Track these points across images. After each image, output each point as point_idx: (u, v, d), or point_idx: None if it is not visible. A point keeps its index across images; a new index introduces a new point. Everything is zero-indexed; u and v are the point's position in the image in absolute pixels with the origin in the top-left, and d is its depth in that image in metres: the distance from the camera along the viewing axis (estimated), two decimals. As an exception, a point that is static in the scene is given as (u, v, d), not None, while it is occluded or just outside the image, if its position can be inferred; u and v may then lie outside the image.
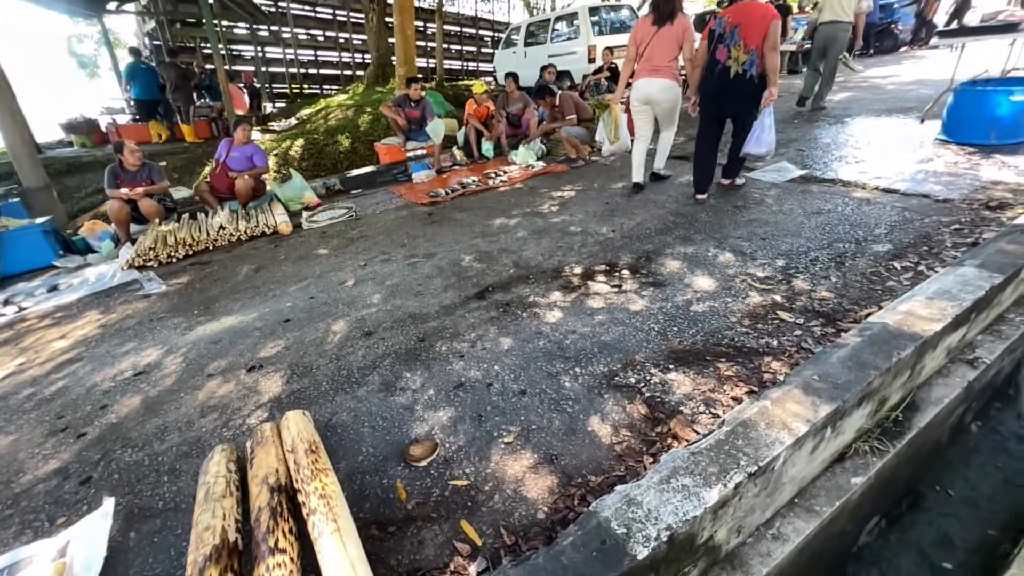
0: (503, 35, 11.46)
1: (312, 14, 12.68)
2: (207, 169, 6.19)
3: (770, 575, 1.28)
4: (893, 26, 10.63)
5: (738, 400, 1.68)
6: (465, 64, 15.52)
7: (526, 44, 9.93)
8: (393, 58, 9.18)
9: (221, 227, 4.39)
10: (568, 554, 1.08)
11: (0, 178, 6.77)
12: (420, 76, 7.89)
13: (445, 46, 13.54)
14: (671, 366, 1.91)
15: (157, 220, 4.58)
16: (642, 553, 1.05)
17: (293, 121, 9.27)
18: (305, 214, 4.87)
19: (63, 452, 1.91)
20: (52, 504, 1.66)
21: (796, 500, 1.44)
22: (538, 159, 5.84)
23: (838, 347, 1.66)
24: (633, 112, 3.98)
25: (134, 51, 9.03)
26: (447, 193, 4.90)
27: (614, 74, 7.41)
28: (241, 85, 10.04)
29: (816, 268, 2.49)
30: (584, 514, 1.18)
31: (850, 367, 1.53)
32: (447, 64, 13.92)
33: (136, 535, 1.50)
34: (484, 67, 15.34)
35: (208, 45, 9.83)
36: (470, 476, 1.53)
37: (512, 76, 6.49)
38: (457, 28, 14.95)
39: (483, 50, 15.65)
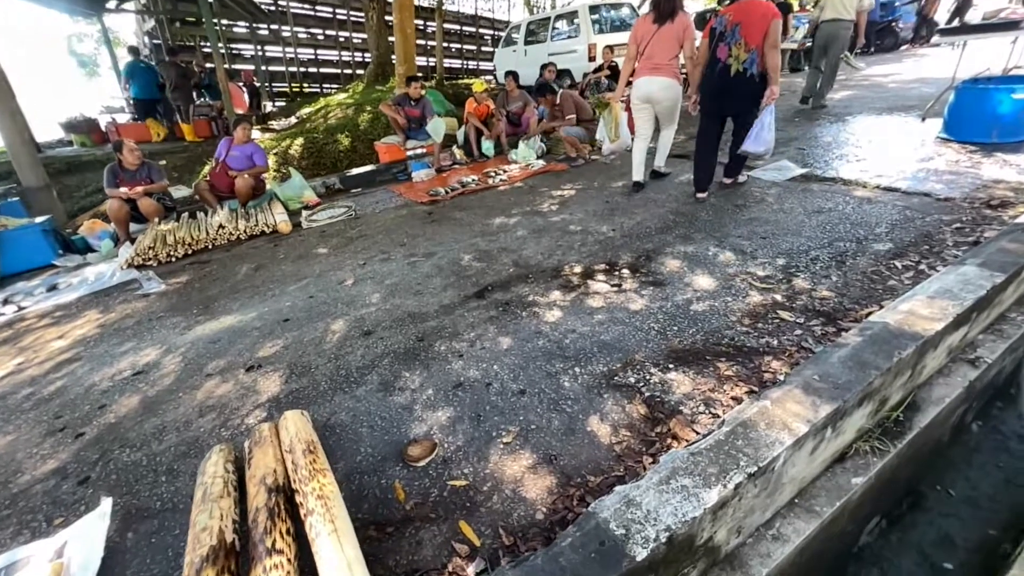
0: (503, 33, 11.44)
1: (312, 12, 12.65)
2: (207, 168, 6.19)
3: (770, 576, 1.28)
4: (894, 24, 10.60)
5: (738, 400, 1.67)
6: (465, 63, 15.50)
7: (526, 42, 9.91)
8: (393, 57, 9.15)
9: (220, 226, 4.38)
10: (567, 555, 1.07)
11: (0, 177, 6.77)
12: (420, 75, 7.87)
13: (445, 45, 13.52)
14: (671, 366, 1.90)
15: (156, 219, 4.57)
16: (641, 554, 1.05)
17: (293, 120, 9.26)
18: (305, 213, 4.86)
19: (61, 452, 1.91)
20: (50, 504, 1.66)
21: (796, 500, 1.44)
22: (538, 158, 5.82)
23: (839, 347, 1.65)
24: (634, 110, 3.97)
25: (133, 50, 9.02)
26: (447, 192, 4.89)
27: (614, 72, 7.38)
28: (241, 84, 10.02)
29: (817, 267, 2.48)
30: (583, 515, 1.18)
31: (851, 367, 1.53)
32: (447, 63, 13.90)
33: (134, 535, 1.49)
34: (484, 66, 15.31)
35: (208, 44, 9.81)
36: (469, 476, 1.53)
37: (512, 75, 6.47)
38: (457, 26, 14.92)
39: (483, 49, 15.62)
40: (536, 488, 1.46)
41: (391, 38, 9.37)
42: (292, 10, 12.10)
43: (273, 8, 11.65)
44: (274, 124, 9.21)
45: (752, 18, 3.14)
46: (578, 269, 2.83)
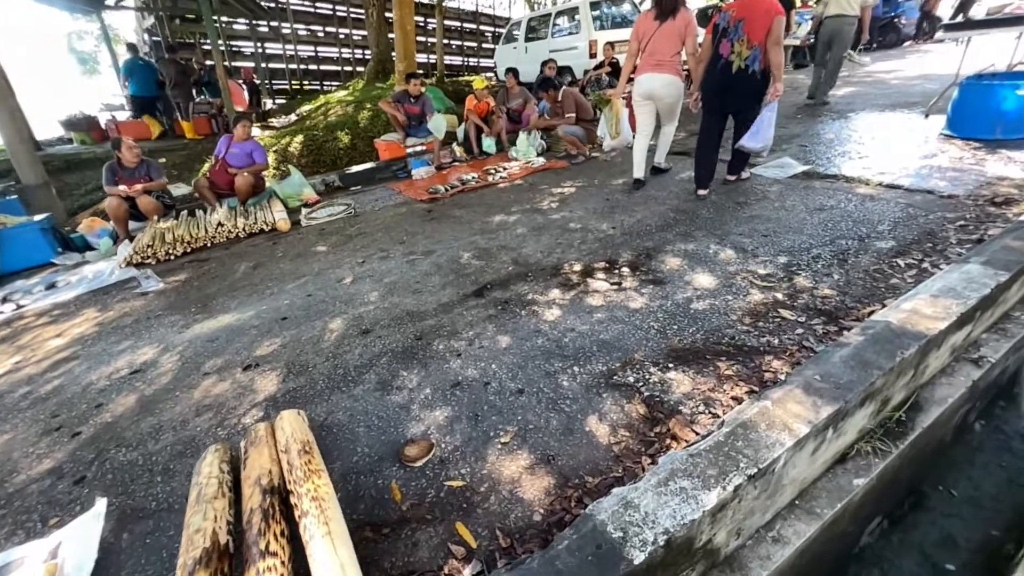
0: (504, 30, 11.38)
1: (312, 10, 12.62)
2: (206, 166, 6.17)
3: (770, 578, 1.26)
4: (897, 20, 10.52)
5: (738, 400, 1.65)
6: (466, 60, 15.45)
7: (527, 39, 9.86)
8: (393, 54, 9.12)
9: (219, 224, 4.36)
10: (563, 558, 1.06)
11: (-1, 175, 6.76)
12: (420, 72, 7.84)
13: (445, 42, 13.46)
14: (670, 365, 1.89)
15: (155, 217, 4.56)
16: (638, 558, 1.03)
17: (293, 117, 9.24)
18: (304, 211, 4.85)
19: (57, 451, 1.90)
20: (45, 504, 1.65)
21: (797, 502, 1.42)
22: (538, 155, 5.80)
23: (840, 346, 1.63)
24: (635, 107, 3.94)
25: (131, 47, 8.99)
26: (446, 190, 4.87)
27: (615, 69, 7.34)
28: (240, 81, 9.99)
29: (818, 265, 2.46)
30: (580, 517, 1.16)
31: (852, 366, 1.51)
32: (448, 60, 13.85)
33: (128, 536, 1.48)
34: (485, 63, 15.26)
35: (208, 41, 9.78)
36: (466, 477, 1.51)
37: (512, 71, 6.44)
38: (458, 23, 14.88)
39: (484, 46, 15.58)
40: (534, 489, 1.44)
41: (391, 35, 9.33)
42: (292, 7, 12.07)
43: (273, 5, 11.60)
44: (274, 121, 9.19)
45: (755, 14, 3.11)
46: (578, 267, 2.81)
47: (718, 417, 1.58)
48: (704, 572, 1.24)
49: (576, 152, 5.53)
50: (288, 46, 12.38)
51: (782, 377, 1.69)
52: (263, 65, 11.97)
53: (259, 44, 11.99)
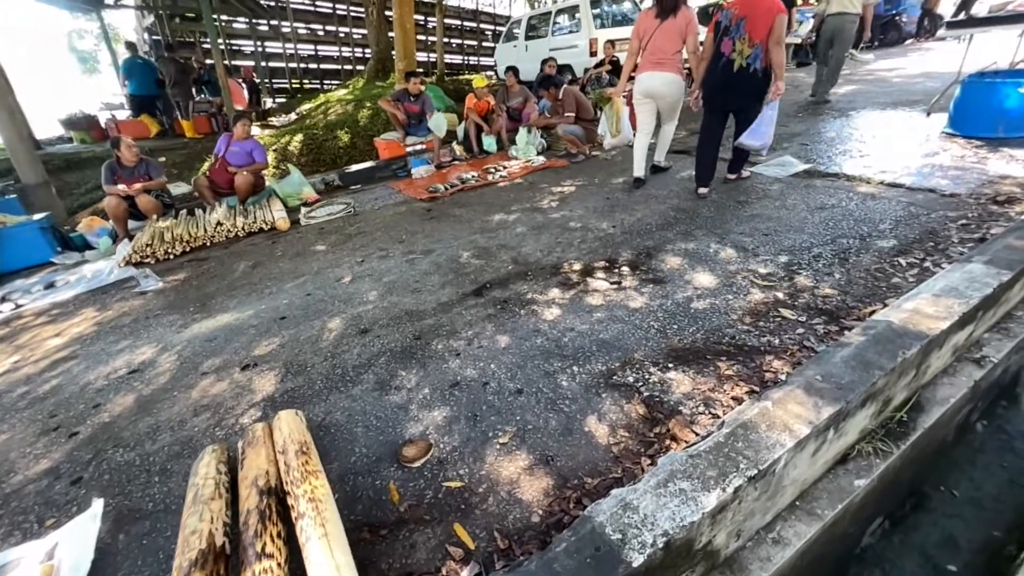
0: (504, 29, 11.35)
1: (312, 8, 12.60)
2: (206, 165, 6.16)
3: (770, 580, 1.25)
4: (898, 18, 10.48)
5: (738, 400, 1.64)
6: (466, 58, 15.43)
7: (527, 38, 9.84)
8: (393, 52, 9.10)
9: (218, 223, 4.35)
10: (561, 561, 1.05)
11: (-1, 174, 6.75)
12: (420, 70, 7.82)
13: (446, 40, 13.44)
14: (670, 365, 1.87)
15: (155, 216, 4.55)
16: (637, 560, 1.02)
17: (293, 116, 9.22)
18: (303, 210, 4.84)
19: (55, 452, 1.89)
20: (42, 505, 1.64)
21: (797, 503, 1.41)
22: (538, 154, 5.78)
23: (841, 346, 1.62)
24: (636, 106, 3.93)
25: (130, 45, 8.97)
26: (446, 188, 4.86)
27: (616, 68, 7.32)
28: (240, 80, 9.98)
29: (819, 264, 2.45)
30: (579, 519, 1.15)
31: (854, 367, 1.49)
32: (448, 58, 13.83)
33: (125, 537, 1.47)
34: (485, 61, 15.23)
35: (208, 39, 9.76)
36: (464, 478, 1.50)
37: (512, 70, 6.42)
38: (458, 22, 14.85)
39: (484, 44, 15.55)
40: (532, 490, 1.43)
41: (391, 33, 9.31)
42: (292, 5, 12.05)
43: (273, 3, 11.59)
44: (274, 120, 9.17)
45: (757, 12, 3.10)
46: (577, 266, 2.80)
47: (718, 417, 1.57)
48: (704, 574, 1.23)
49: (576, 151, 5.51)
50: (288, 45, 12.36)
51: (783, 377, 1.68)
52: (263, 64, 11.96)
53: (259, 43, 11.97)
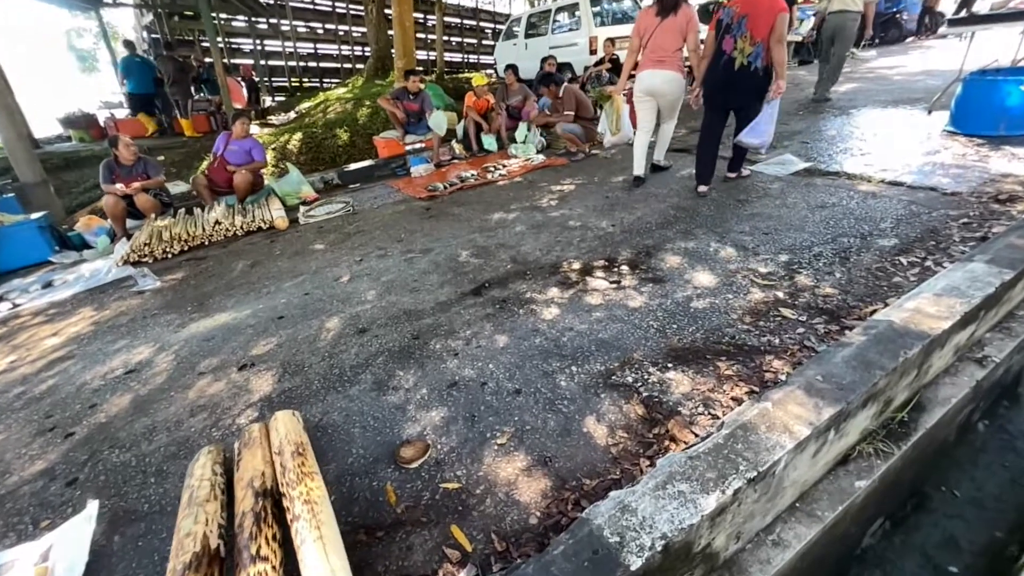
0: (504, 27, 11.32)
1: (311, 6, 12.57)
2: (205, 163, 6.14)
3: (770, 583, 1.24)
4: (898, 15, 10.44)
5: (738, 400, 1.63)
6: (466, 56, 15.39)
7: (527, 36, 9.81)
8: (393, 50, 9.07)
9: (217, 222, 4.34)
10: (559, 564, 1.03)
11: (-3, 173, 6.74)
12: (420, 68, 7.80)
13: (445, 38, 13.41)
14: (670, 365, 1.86)
15: (153, 215, 4.54)
16: (635, 563, 1.01)
17: (292, 115, 9.21)
18: (302, 209, 4.82)
19: (50, 452, 1.88)
20: (37, 506, 1.63)
21: (797, 504, 1.40)
22: (538, 152, 5.76)
23: (842, 346, 1.61)
24: (636, 103, 3.91)
25: (128, 44, 8.94)
26: (445, 187, 4.84)
27: (616, 66, 7.29)
28: (239, 79, 9.95)
29: (820, 263, 2.43)
30: (576, 521, 1.14)
31: (855, 367, 1.48)
32: (448, 56, 13.80)
33: (120, 539, 1.46)
34: (485, 59, 15.20)
35: (206, 38, 9.74)
36: (462, 479, 1.49)
37: (512, 68, 6.40)
38: (458, 20, 14.81)
39: (484, 42, 15.51)
40: (530, 491, 1.42)
41: (391, 32, 9.29)
42: (291, 4, 12.02)
43: (272, 2, 11.56)
44: (273, 119, 9.16)
45: (759, 10, 3.08)
46: (577, 265, 2.78)
47: (718, 418, 1.56)
48: (703, 576, 1.22)
49: (576, 149, 5.49)
50: (287, 43, 12.33)
51: (783, 377, 1.67)
52: (262, 62, 11.92)
53: (258, 41, 11.94)
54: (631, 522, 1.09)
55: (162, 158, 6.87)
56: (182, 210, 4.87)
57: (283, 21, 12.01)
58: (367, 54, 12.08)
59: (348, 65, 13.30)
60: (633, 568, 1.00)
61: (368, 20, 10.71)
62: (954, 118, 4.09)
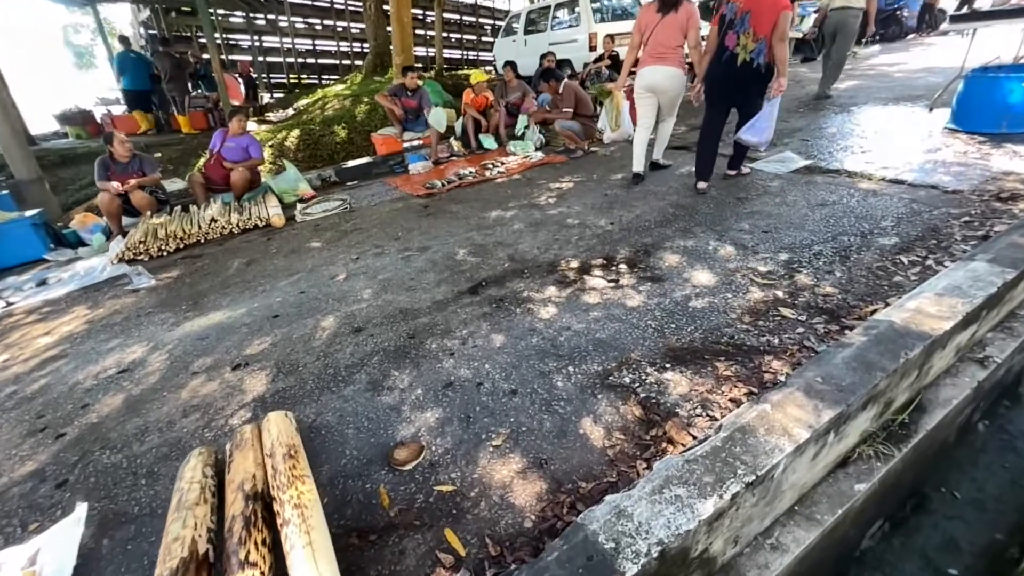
0: (503, 23, 11.26)
1: (309, 2, 12.48)
2: (202, 161, 6.10)
3: (768, 588, 1.22)
4: (899, 12, 10.39)
5: (737, 402, 1.61)
6: (465, 53, 15.31)
7: (526, 32, 9.75)
8: (391, 47, 9.01)
9: (213, 220, 4.31)
10: (552, 571, 1.01)
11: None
12: (419, 65, 7.75)
13: (445, 35, 13.34)
14: (668, 365, 1.84)
15: (149, 213, 4.50)
16: (631, 570, 0.99)
17: (290, 112, 9.15)
18: (299, 206, 4.79)
19: (40, 454, 1.86)
20: (26, 508, 1.61)
21: (796, 508, 1.38)
22: (536, 149, 5.73)
23: (842, 346, 1.58)
24: (637, 100, 3.88)
25: (123, 39, 8.89)
26: (443, 184, 4.81)
27: (615, 62, 7.25)
28: (237, 75, 9.90)
29: (820, 262, 2.41)
30: (571, 526, 1.12)
31: (855, 368, 1.46)
32: (447, 53, 13.73)
33: (109, 542, 1.44)
34: (484, 56, 15.12)
35: (204, 34, 9.68)
36: (456, 481, 1.47)
37: (510, 65, 6.36)
38: (457, 16, 14.72)
39: (483, 39, 15.43)
40: (525, 494, 1.40)
41: (389, 28, 9.22)
42: (289, 0, 11.94)
43: (269, -2, 11.49)
44: (271, 116, 9.10)
45: (762, 7, 3.05)
46: (575, 264, 2.76)
47: (716, 420, 1.54)
48: (700, 582, 1.20)
49: (574, 147, 5.45)
50: (285, 39, 12.26)
51: (782, 378, 1.65)
52: (260, 59, 11.85)
53: (256, 37, 11.87)
54: (627, 527, 1.07)
55: (159, 155, 6.83)
56: (178, 207, 4.84)
57: (281, 17, 11.94)
58: (366, 50, 12.01)
59: (347, 61, 13.23)
60: (628, 575, 0.98)
61: (366, 16, 10.63)
62: (955, 115, 4.06)
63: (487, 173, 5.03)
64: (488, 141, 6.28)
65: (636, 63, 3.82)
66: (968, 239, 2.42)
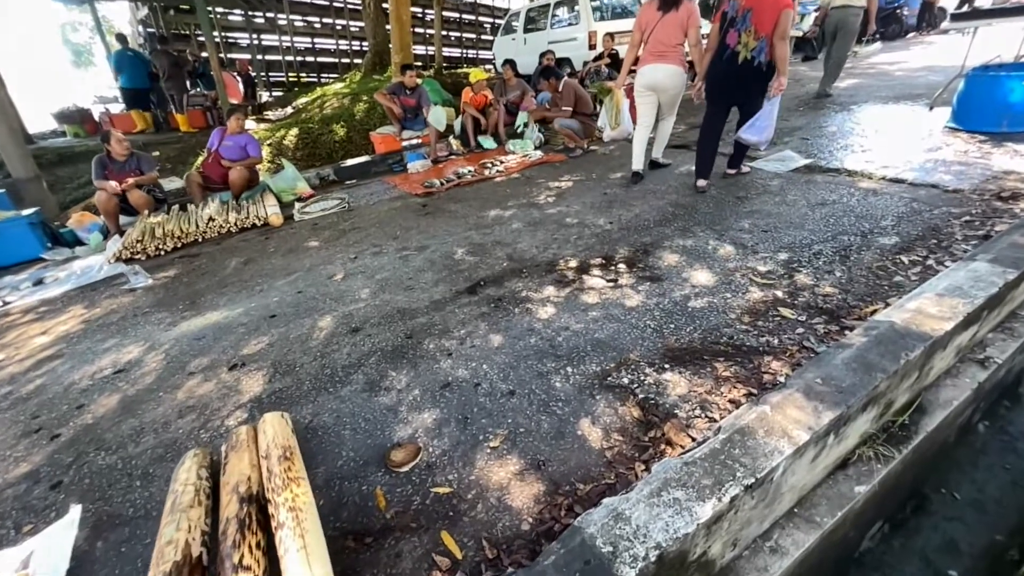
0: (503, 21, 11.23)
1: (308, 1, 12.44)
2: (200, 159, 6.09)
3: (767, 591, 1.21)
4: (899, 11, 10.36)
5: (736, 403, 1.59)
6: (464, 51, 15.27)
7: (526, 30, 9.73)
8: (391, 45, 8.99)
9: (210, 219, 4.29)
10: (549, 575, 1.00)
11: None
12: (418, 64, 7.72)
13: (444, 33, 13.30)
14: (667, 366, 1.83)
15: (146, 211, 4.48)
16: (629, 574, 0.98)
17: (289, 110, 9.13)
18: (297, 205, 4.78)
19: (35, 455, 1.84)
20: (20, 510, 1.60)
21: (796, 510, 1.37)
22: (535, 148, 5.71)
23: (842, 347, 1.57)
24: (637, 98, 3.87)
25: (120, 37, 8.85)
26: (442, 183, 4.79)
27: (615, 61, 7.22)
28: (236, 73, 9.87)
29: (820, 262, 2.40)
30: (568, 530, 1.11)
31: (855, 369, 1.45)
32: (446, 52, 13.69)
33: (103, 544, 1.43)
34: (484, 54, 15.08)
35: (202, 33, 9.65)
36: (453, 483, 1.46)
37: (509, 63, 6.34)
38: (456, 14, 14.68)
39: (483, 37, 15.38)
40: (523, 496, 1.39)
41: (389, 26, 9.20)
42: (288, -2, 11.91)
43: (268, -4, 11.45)
44: (270, 114, 9.09)
45: (764, 5, 3.04)
46: (573, 263, 2.74)
47: (715, 421, 1.53)
48: (698, 585, 1.19)
49: (574, 145, 5.44)
50: (284, 37, 12.22)
51: (782, 379, 1.63)
52: (259, 57, 11.81)
53: (255, 36, 11.83)
54: (624, 531, 1.06)
55: (157, 153, 6.81)
56: (176, 206, 4.82)
57: (280, 15, 11.89)
58: (365, 49, 11.97)
59: (346, 60, 13.19)
60: (626, 579, 0.97)
61: (365, 14, 10.60)
62: (956, 114, 4.05)
63: (486, 172, 5.01)
64: (487, 142, 6.26)
65: (636, 61, 3.81)
66: (969, 239, 2.41)
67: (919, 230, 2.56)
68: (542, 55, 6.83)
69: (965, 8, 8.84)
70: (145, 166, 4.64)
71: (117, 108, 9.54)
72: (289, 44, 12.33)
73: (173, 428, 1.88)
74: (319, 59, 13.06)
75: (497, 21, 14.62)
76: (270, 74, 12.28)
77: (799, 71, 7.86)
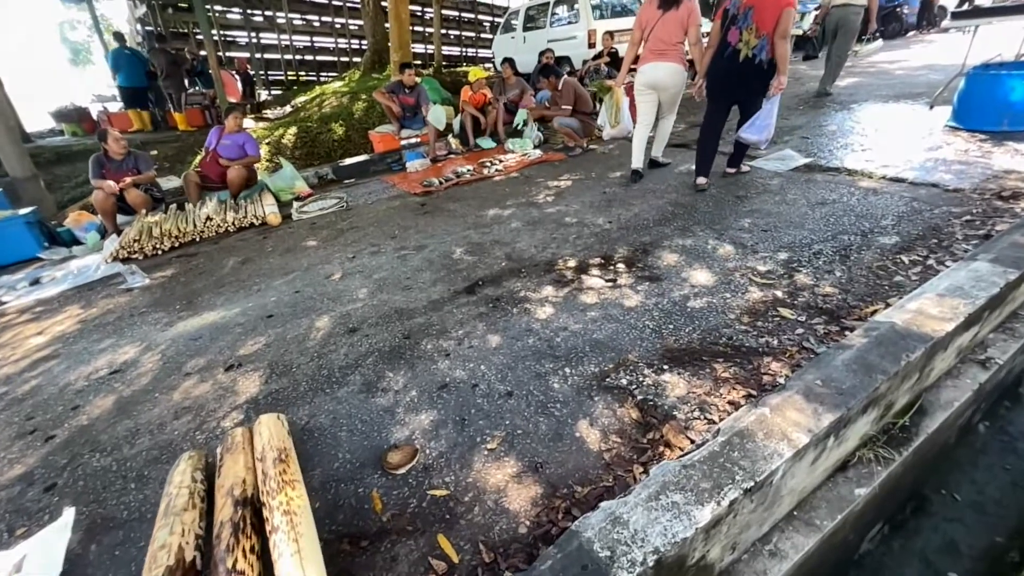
0: (502, 20, 11.19)
1: (307, -1, 12.40)
2: (198, 158, 6.06)
3: (766, 595, 1.20)
4: (899, 10, 10.34)
5: (735, 404, 1.58)
6: (464, 50, 15.23)
7: (525, 29, 9.70)
8: (390, 44, 8.96)
9: (208, 218, 4.27)
10: (546, 580, 0.99)
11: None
12: (418, 62, 7.69)
13: (443, 31, 13.26)
14: (665, 366, 1.81)
15: (144, 211, 4.47)
16: (626, 580, 0.96)
17: (288, 109, 9.10)
18: (296, 204, 4.75)
19: (29, 456, 1.83)
20: (13, 513, 1.58)
21: (795, 513, 1.36)
22: (535, 147, 5.69)
23: (842, 348, 1.56)
24: (637, 97, 3.85)
25: (118, 36, 8.81)
26: (441, 182, 4.77)
27: (614, 59, 7.20)
28: (234, 72, 9.83)
29: (820, 262, 2.38)
30: (565, 534, 1.09)
31: (855, 370, 1.44)
32: (445, 50, 13.65)
33: (97, 547, 1.42)
34: (483, 53, 15.04)
35: (201, 31, 9.61)
36: (450, 486, 1.45)
37: (509, 62, 6.31)
38: (455, 13, 14.63)
39: (482, 35, 15.34)
40: (520, 499, 1.38)
41: (388, 24, 9.16)
42: (287, -5, 11.86)
43: (267, -6, 11.40)
44: (269, 113, 9.06)
45: (765, 3, 3.02)
46: (572, 263, 2.73)
47: (714, 423, 1.51)
48: (697, 589, 1.18)
49: (573, 144, 5.42)
50: (283, 36, 12.17)
51: (781, 380, 1.62)
52: (258, 56, 11.77)
53: (253, 34, 11.78)
54: (622, 535, 1.05)
55: (155, 152, 6.79)
56: (173, 205, 4.80)
57: (279, 14, 11.85)
58: (364, 47, 11.93)
59: (345, 59, 13.14)
60: (624, 585, 0.96)
61: (365, 13, 10.56)
62: (956, 113, 4.03)
63: (485, 171, 5.00)
64: (486, 142, 6.23)
65: (636, 59, 3.79)
66: (969, 238, 2.39)
67: (919, 229, 2.55)
68: (541, 53, 6.81)
69: (966, 6, 8.81)
70: (143, 165, 4.62)
71: (115, 107, 9.51)
72: (288, 43, 12.29)
73: (168, 430, 1.86)
74: (318, 58, 13.01)
75: (496, 19, 14.59)
76: (269, 73, 12.23)
77: (799, 70, 7.83)
